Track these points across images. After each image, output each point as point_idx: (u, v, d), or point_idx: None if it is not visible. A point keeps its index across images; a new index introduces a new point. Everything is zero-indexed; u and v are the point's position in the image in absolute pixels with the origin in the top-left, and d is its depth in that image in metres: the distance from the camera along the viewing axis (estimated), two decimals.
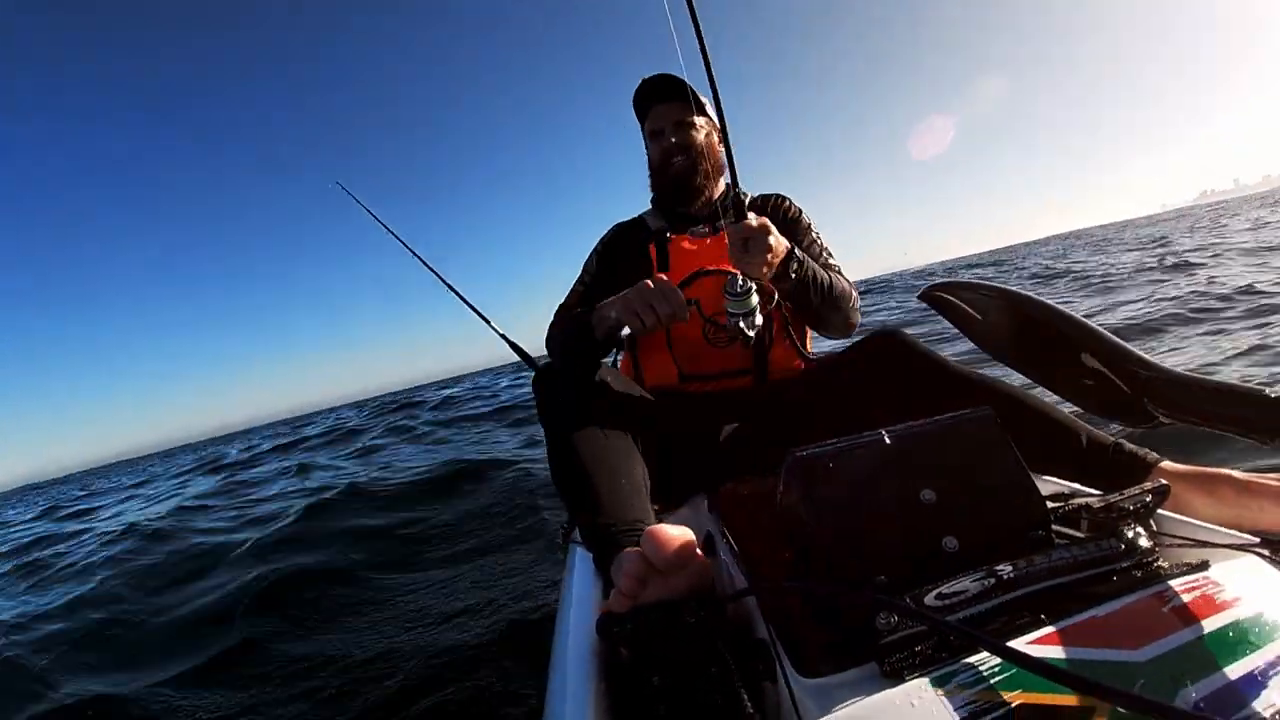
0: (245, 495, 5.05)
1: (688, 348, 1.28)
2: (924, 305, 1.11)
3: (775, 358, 1.28)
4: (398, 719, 1.40)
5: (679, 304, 1.02)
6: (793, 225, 1.36)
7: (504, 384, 12.67)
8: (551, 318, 1.37)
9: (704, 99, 1.29)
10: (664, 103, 1.36)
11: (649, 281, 1.04)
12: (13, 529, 7.21)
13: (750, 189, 1.37)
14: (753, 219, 0.97)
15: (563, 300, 1.41)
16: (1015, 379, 1.07)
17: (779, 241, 1.01)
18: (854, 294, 1.21)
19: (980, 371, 1.05)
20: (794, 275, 1.05)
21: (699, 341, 1.26)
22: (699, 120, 1.35)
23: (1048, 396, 0.98)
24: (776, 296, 1.18)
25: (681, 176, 1.35)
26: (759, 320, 1.02)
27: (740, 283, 0.99)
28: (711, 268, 1.27)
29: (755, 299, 1.00)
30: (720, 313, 1.07)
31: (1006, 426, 0.67)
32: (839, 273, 1.24)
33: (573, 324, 1.22)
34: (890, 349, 1.07)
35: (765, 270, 1.00)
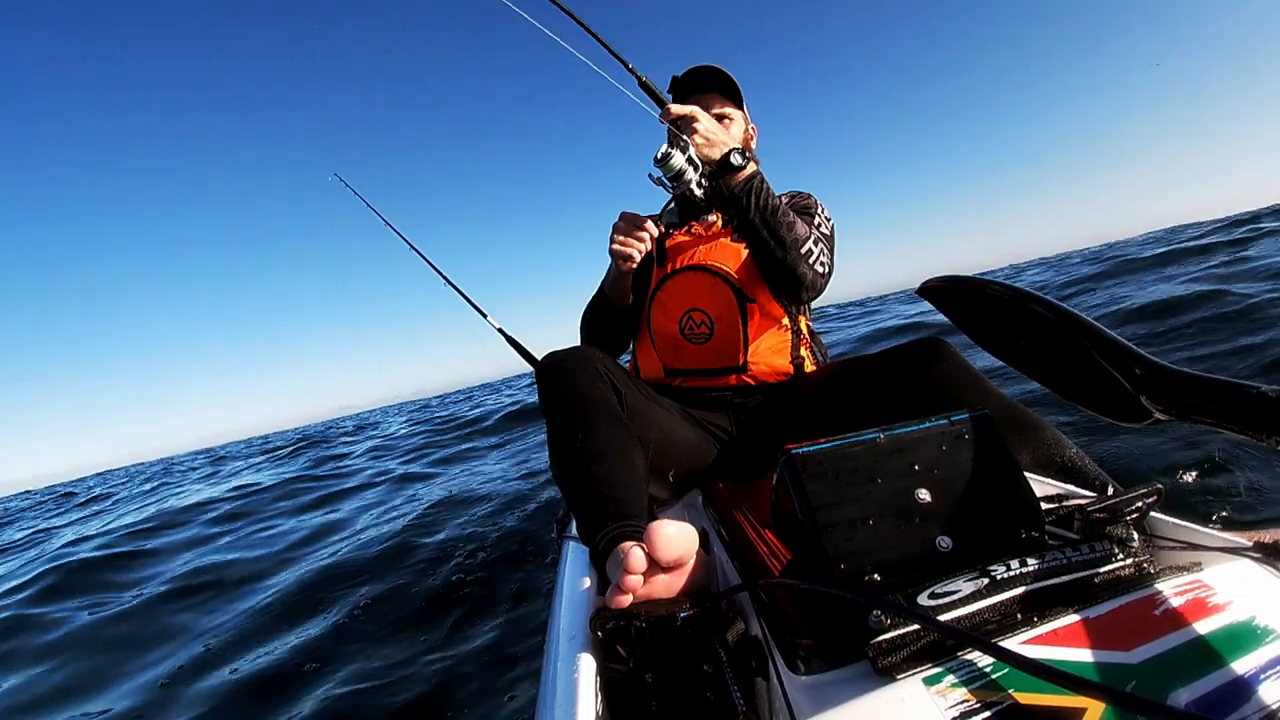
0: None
1: (666, 341, 1.29)
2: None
3: (758, 357, 1.26)
4: (394, 716, 1.40)
5: (636, 219, 1.17)
6: (802, 208, 1.33)
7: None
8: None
9: (742, 96, 1.31)
10: (702, 93, 1.32)
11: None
12: None
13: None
14: (682, 108, 1.06)
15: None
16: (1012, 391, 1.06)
17: (718, 130, 1.08)
18: (812, 245, 1.16)
19: (1025, 406, 1.02)
20: (734, 165, 1.08)
21: (676, 335, 1.27)
22: (737, 114, 1.33)
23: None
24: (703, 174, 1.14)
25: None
26: (693, 183, 1.08)
27: (662, 152, 1.06)
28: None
29: (679, 163, 1.06)
30: (696, 310, 1.25)
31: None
32: (815, 226, 1.22)
33: (591, 301, 1.38)
34: (927, 359, 1.04)
35: (700, 142, 1.07)
